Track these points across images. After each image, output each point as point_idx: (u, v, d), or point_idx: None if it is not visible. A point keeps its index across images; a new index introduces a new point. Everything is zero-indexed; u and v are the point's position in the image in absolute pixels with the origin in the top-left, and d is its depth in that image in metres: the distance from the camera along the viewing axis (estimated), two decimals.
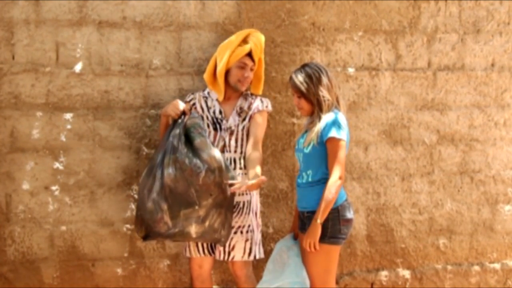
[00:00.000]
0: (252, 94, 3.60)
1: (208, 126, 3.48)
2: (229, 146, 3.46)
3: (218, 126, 3.48)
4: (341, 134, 3.11)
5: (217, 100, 3.52)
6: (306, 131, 3.27)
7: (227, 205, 3.32)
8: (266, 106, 3.57)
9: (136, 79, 3.69)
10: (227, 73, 3.47)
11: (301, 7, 3.91)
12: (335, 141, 3.11)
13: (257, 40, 3.49)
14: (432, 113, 4.17)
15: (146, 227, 3.31)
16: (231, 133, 3.47)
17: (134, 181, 3.68)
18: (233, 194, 3.31)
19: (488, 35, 4.24)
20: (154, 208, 3.24)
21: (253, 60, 3.49)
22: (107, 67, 3.64)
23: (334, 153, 3.11)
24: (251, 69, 3.50)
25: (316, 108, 3.21)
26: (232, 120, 3.48)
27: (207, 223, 3.27)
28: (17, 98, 3.55)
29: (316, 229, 3.08)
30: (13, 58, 3.54)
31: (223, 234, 3.33)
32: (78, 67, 3.61)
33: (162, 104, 3.68)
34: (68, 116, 3.61)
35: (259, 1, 3.84)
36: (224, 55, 3.44)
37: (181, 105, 3.35)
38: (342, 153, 3.11)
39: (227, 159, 3.43)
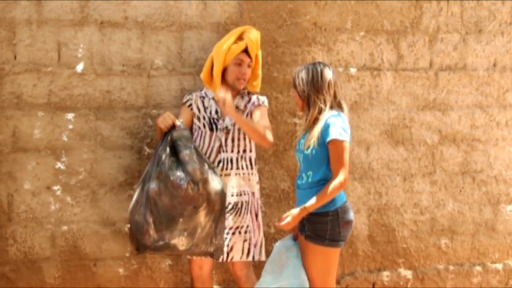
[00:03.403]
0: (249, 93, 3.59)
1: (204, 126, 3.48)
2: (226, 146, 3.45)
3: (214, 126, 3.47)
4: (344, 136, 3.08)
5: (214, 99, 3.52)
6: (306, 132, 3.25)
7: (217, 218, 3.30)
8: (263, 102, 3.57)
9: (138, 79, 3.69)
10: (224, 71, 3.47)
11: (303, 7, 3.91)
12: (338, 142, 3.07)
13: (253, 36, 3.46)
14: (434, 113, 4.17)
15: (136, 240, 3.33)
16: (227, 133, 3.46)
17: (136, 181, 3.68)
18: (223, 207, 3.31)
19: (490, 35, 4.24)
20: (140, 220, 3.25)
21: (249, 57, 3.46)
22: (108, 67, 3.65)
23: (337, 155, 3.08)
24: (249, 66, 3.48)
25: (306, 106, 3.20)
26: (229, 120, 3.47)
27: (194, 237, 3.27)
28: (19, 98, 3.55)
29: (299, 214, 3.08)
30: (15, 58, 3.54)
31: (214, 248, 3.32)
32: (80, 67, 3.61)
33: (164, 104, 3.68)
34: (70, 116, 3.61)
35: (260, 1, 3.84)
36: (221, 53, 3.42)
37: (171, 118, 3.33)
38: (345, 155, 3.08)
39: (224, 159, 3.43)
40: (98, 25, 3.62)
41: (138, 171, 3.68)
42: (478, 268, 4.31)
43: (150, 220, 3.23)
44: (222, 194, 3.30)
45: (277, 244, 3.40)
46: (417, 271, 4.21)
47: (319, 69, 3.19)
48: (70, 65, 3.60)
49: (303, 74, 3.20)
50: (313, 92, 3.15)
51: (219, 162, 3.43)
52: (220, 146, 3.45)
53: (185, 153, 3.25)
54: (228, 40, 3.44)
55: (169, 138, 3.29)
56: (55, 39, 3.57)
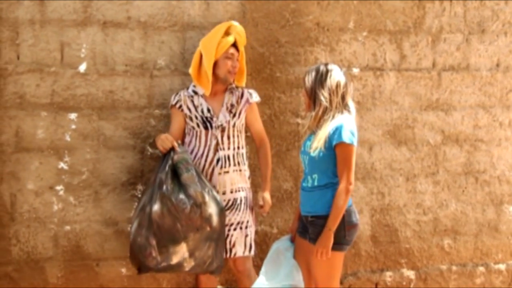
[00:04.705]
0: (236, 87, 3.58)
1: (198, 125, 3.47)
2: (222, 143, 3.46)
3: (208, 124, 3.47)
4: (352, 140, 3.05)
5: (203, 97, 3.50)
6: (312, 133, 3.21)
7: (217, 237, 3.34)
8: (256, 97, 3.60)
9: (141, 79, 3.69)
10: (214, 66, 3.45)
11: (306, 7, 3.90)
12: (345, 146, 3.04)
13: (240, 30, 3.50)
14: (437, 114, 4.16)
15: (137, 261, 3.36)
16: (223, 130, 3.47)
17: (139, 181, 3.69)
18: (223, 226, 3.35)
19: (493, 35, 4.23)
20: (143, 243, 3.29)
21: (238, 50, 3.49)
22: (111, 67, 3.65)
23: (344, 159, 3.05)
24: (237, 59, 3.51)
25: (312, 105, 3.17)
26: (223, 117, 3.47)
27: (197, 257, 3.32)
28: (22, 98, 3.55)
29: (329, 238, 3.03)
30: (18, 58, 3.54)
31: (215, 265, 3.38)
32: (82, 67, 3.61)
33: (167, 104, 3.68)
34: (73, 116, 3.61)
35: (263, 1, 3.84)
36: (210, 48, 3.43)
37: (169, 140, 3.33)
38: (352, 159, 3.05)
39: (222, 157, 3.45)
40: (101, 25, 3.62)
41: (141, 171, 3.68)
42: (481, 268, 4.30)
43: (154, 242, 3.27)
44: (222, 214, 3.33)
45: (275, 244, 3.40)
46: (420, 272, 4.20)
47: (329, 68, 3.16)
48: (73, 65, 3.60)
49: (312, 73, 3.18)
50: (319, 91, 3.13)
51: (218, 160, 3.45)
52: (217, 144, 3.46)
53: (186, 176, 3.28)
54: (216, 35, 3.45)
55: (169, 161, 3.31)
56: (58, 39, 3.58)
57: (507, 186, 4.32)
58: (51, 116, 3.59)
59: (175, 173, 3.30)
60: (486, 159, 4.27)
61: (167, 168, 3.29)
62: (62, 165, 3.61)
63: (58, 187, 3.61)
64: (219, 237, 3.35)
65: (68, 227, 3.64)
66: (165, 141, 3.33)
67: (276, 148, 3.90)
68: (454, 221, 4.24)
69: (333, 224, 3.03)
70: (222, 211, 3.33)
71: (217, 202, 3.31)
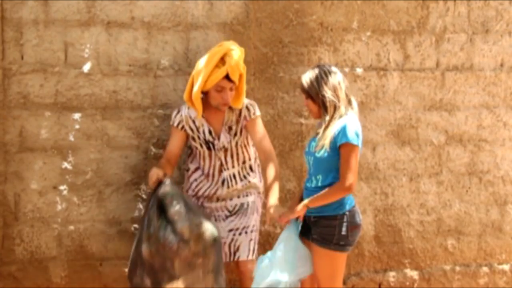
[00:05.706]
0: None
1: (201, 146, 3.44)
2: (226, 163, 3.46)
3: (211, 145, 3.44)
4: (356, 140, 3.04)
5: (203, 117, 3.40)
6: (317, 134, 3.18)
7: (216, 268, 3.25)
8: (254, 113, 3.46)
9: (144, 79, 3.69)
10: (208, 93, 3.35)
11: (309, 7, 3.90)
12: (349, 146, 3.02)
13: (234, 60, 3.26)
14: (441, 114, 4.16)
15: None
16: (225, 151, 3.45)
17: (142, 181, 3.69)
18: (220, 255, 3.26)
19: (497, 35, 4.23)
20: (139, 283, 3.22)
21: (231, 81, 3.30)
22: (115, 67, 3.65)
23: (347, 159, 3.03)
24: (231, 89, 3.34)
25: (322, 109, 3.13)
26: (224, 138, 3.44)
27: None
28: (25, 98, 3.56)
29: (299, 210, 3.09)
30: (22, 58, 3.55)
31: None
32: (86, 67, 3.62)
33: (170, 104, 3.68)
34: (77, 116, 3.62)
35: (267, 1, 3.84)
36: (199, 78, 3.27)
37: (155, 173, 3.22)
38: (355, 159, 3.03)
39: (227, 177, 3.44)
40: (105, 25, 3.62)
41: (144, 171, 3.68)
42: (485, 269, 4.29)
43: (148, 282, 3.19)
44: (218, 244, 3.23)
45: (284, 233, 3.23)
46: (423, 272, 4.20)
47: (327, 69, 3.14)
48: (77, 65, 3.61)
49: (313, 77, 3.13)
50: (326, 92, 3.08)
51: (223, 181, 3.45)
52: (221, 165, 3.45)
53: (173, 211, 3.15)
54: (209, 63, 3.27)
55: (156, 197, 3.20)
56: (62, 39, 3.58)
57: (511, 186, 4.31)
58: (55, 116, 3.59)
59: (163, 209, 3.18)
60: (490, 159, 4.26)
61: (153, 204, 3.20)
62: (65, 165, 3.62)
63: (62, 187, 3.62)
64: (218, 267, 3.26)
65: (71, 227, 3.65)
66: (151, 178, 3.23)
67: (279, 148, 3.90)
68: (457, 222, 4.24)
69: (312, 203, 3.07)
70: (217, 240, 3.22)
71: (211, 232, 3.20)
